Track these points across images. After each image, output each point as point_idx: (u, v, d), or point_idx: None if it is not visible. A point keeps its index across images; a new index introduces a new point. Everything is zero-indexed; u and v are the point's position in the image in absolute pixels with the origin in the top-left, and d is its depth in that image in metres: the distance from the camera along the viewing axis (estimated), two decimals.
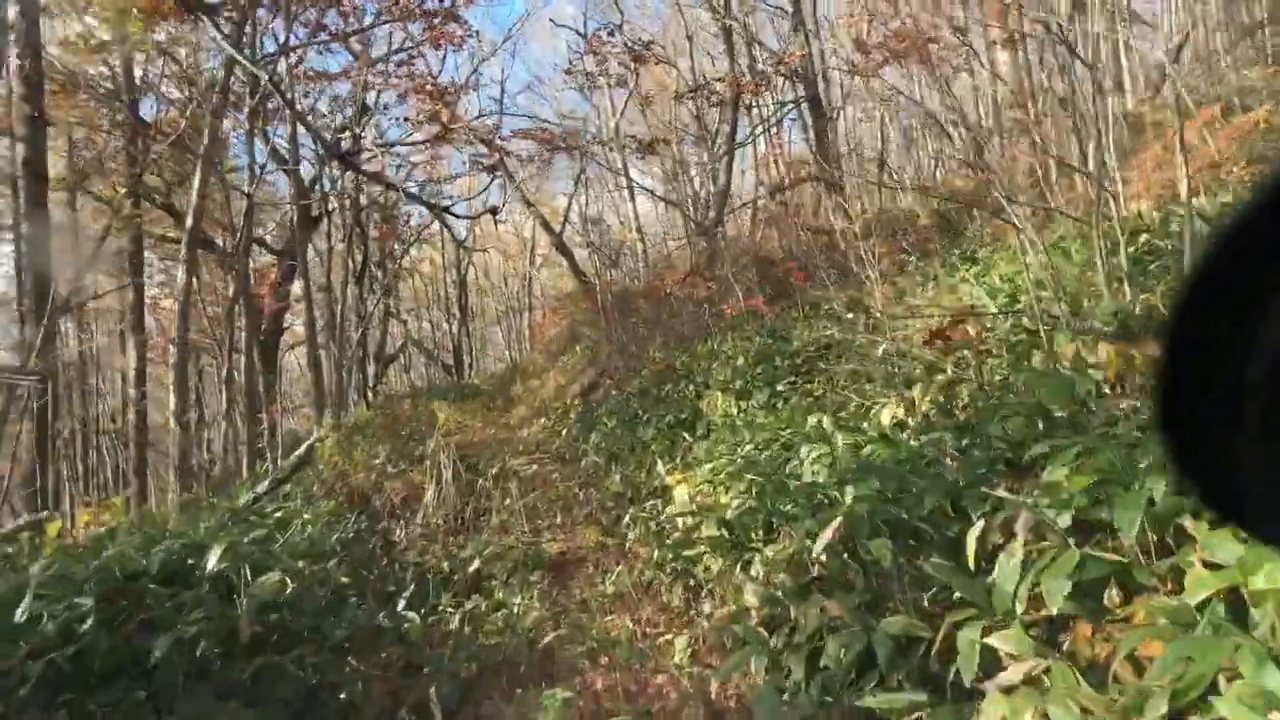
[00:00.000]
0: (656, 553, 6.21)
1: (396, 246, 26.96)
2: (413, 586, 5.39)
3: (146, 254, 18.28)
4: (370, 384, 25.83)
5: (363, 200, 20.19)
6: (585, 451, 10.25)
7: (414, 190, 22.71)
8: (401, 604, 5.24)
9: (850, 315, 8.06)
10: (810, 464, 4.60)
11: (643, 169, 26.56)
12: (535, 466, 11.61)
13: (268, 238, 21.55)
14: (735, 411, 7.46)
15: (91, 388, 21.39)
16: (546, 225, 21.00)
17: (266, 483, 6.97)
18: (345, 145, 17.93)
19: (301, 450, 7.31)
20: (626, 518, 7.01)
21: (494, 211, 16.01)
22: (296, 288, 23.18)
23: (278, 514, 7.11)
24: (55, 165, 17.65)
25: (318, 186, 18.65)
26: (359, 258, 21.45)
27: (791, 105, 16.37)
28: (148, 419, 15.54)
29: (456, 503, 8.20)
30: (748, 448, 5.81)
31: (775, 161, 16.15)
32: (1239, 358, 0.52)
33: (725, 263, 11.51)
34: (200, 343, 18.18)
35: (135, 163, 13.50)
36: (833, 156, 14.37)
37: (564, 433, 12.56)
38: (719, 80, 14.38)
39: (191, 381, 20.42)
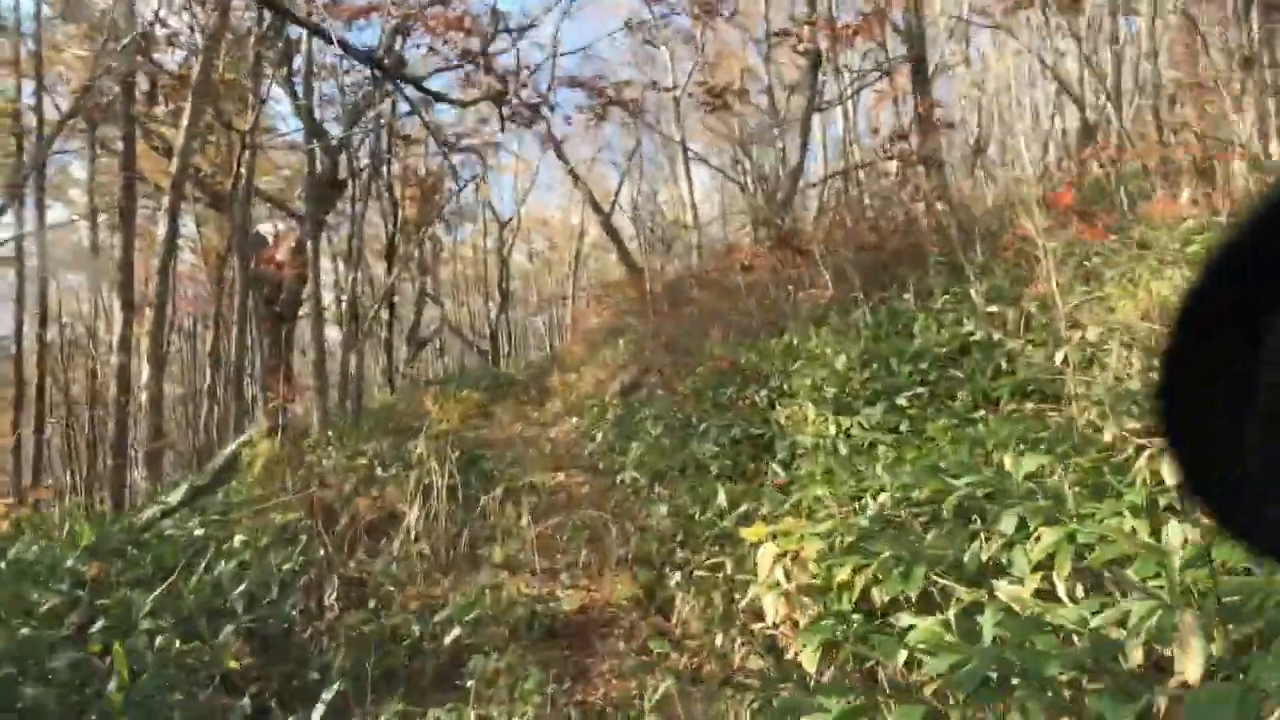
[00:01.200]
0: (721, 639, 4.14)
1: (432, 225, 25.19)
2: (336, 687, 3.38)
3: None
4: (397, 368, 24.07)
5: (394, 161, 18.34)
6: (622, 464, 8.20)
7: (457, 158, 20.89)
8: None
9: (994, 309, 5.87)
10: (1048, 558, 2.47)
11: (704, 146, 24.44)
12: (560, 476, 9.59)
13: (297, 200, 19.78)
14: (833, 430, 5.33)
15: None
16: (594, 203, 19.00)
17: (181, 492, 5.06)
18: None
19: (222, 456, 5.33)
20: (677, 577, 4.92)
21: (500, 97, 13.71)
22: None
23: (199, 531, 5.16)
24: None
25: (343, 156, 16.90)
26: (390, 228, 19.64)
27: (885, 68, 14.09)
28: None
29: (449, 526, 6.18)
30: (881, 496, 3.68)
31: (875, 128, 13.89)
32: (1243, 374, 0.51)
33: (809, 239, 9.34)
34: (200, 310, 16.50)
35: (131, 93, 11.72)
36: (935, 129, 12.10)
37: (598, 437, 10.52)
38: (808, 23, 12.20)
39: (193, 355, 18.82)
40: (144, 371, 9.96)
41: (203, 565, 4.67)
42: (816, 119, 15.31)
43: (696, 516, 5.67)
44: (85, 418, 18.27)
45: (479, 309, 36.48)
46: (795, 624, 3.40)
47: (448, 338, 35.19)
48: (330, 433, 11.08)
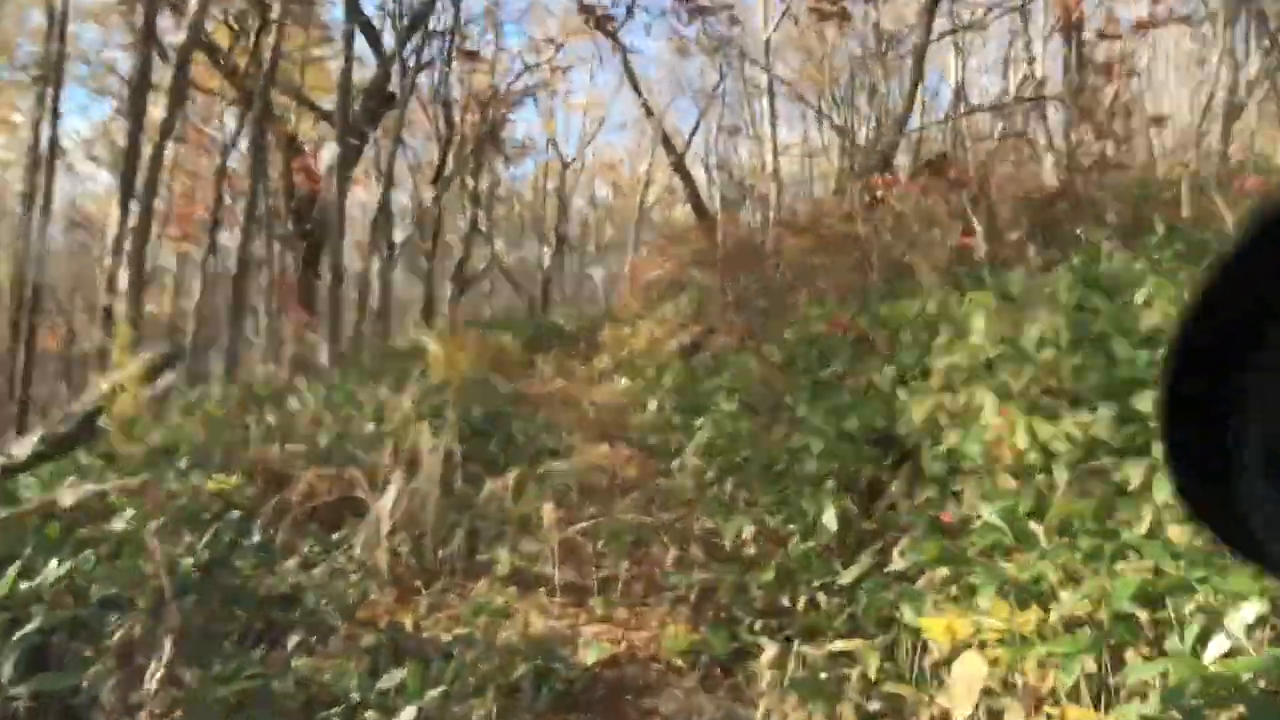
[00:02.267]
0: None
1: (487, 151, 23.40)
2: None
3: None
4: (439, 305, 22.51)
5: (453, 78, 16.55)
6: (681, 446, 6.42)
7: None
8: None
9: None
10: None
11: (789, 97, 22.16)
12: (602, 448, 7.84)
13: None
14: (1023, 440, 3.43)
15: None
16: (667, 141, 17.05)
17: (32, 445, 3.42)
18: None
19: (81, 406, 3.66)
20: (766, 650, 3.11)
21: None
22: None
23: (69, 499, 3.52)
24: None
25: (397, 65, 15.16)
26: (441, 151, 17.92)
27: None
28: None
29: (443, 514, 4.45)
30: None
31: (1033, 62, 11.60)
32: (1245, 390, 0.52)
33: (963, 175, 7.30)
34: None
35: None
36: (1087, 78, 9.91)
37: (651, 404, 8.73)
38: None
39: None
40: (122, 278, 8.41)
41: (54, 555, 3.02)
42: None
43: (794, 542, 3.85)
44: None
45: (534, 254, 34.72)
46: None
47: (497, 279, 33.59)
48: (337, 371, 9.49)
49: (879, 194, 6.26)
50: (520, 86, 19.80)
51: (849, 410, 4.74)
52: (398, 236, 31.34)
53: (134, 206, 8.34)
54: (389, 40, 15.36)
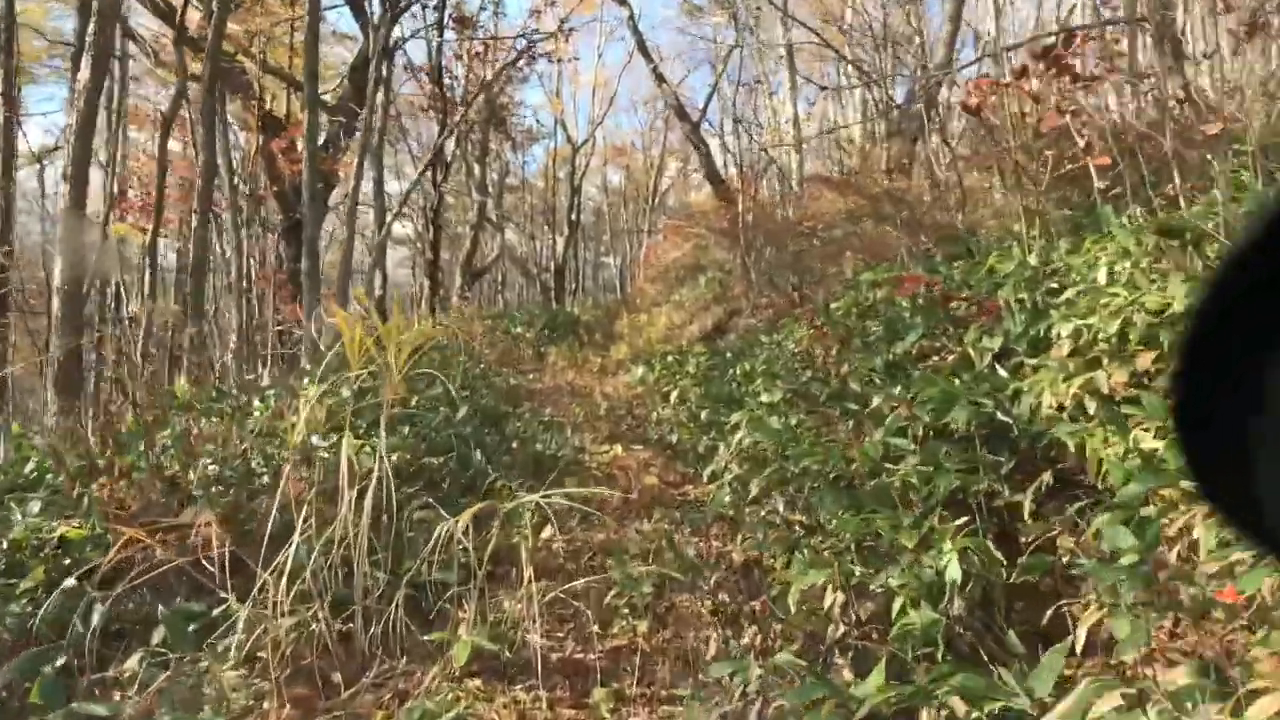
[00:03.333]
0: None
1: (491, 130, 22.08)
2: None
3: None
4: (444, 296, 21.25)
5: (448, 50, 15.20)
6: (711, 447, 5.07)
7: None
8: None
9: None
10: None
11: (808, 61, 20.65)
12: (614, 450, 6.52)
13: (327, 96, 16.83)
14: None
15: None
16: (681, 109, 15.64)
17: None
18: None
19: None
20: None
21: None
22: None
23: None
24: None
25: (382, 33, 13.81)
26: (438, 130, 16.60)
27: None
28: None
29: (368, 573, 3.12)
30: None
31: None
32: (1258, 369, 0.50)
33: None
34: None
35: None
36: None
37: (672, 396, 7.39)
38: None
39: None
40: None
41: None
42: None
43: (902, 607, 2.50)
44: None
45: (546, 245, 33.33)
46: None
47: (509, 270, 32.32)
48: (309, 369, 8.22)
49: (978, 98, 4.82)
50: (523, 61, 18.33)
51: (946, 398, 3.37)
52: (404, 227, 30.27)
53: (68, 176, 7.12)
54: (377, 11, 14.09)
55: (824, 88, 15.63)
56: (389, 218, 11.05)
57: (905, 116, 10.88)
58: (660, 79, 15.56)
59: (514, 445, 6.10)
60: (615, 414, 8.14)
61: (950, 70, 9.25)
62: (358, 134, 14.58)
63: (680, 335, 14.48)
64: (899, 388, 3.75)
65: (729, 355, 7.73)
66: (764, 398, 5.00)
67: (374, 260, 11.19)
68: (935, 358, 4.15)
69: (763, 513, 3.84)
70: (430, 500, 4.59)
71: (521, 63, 18.69)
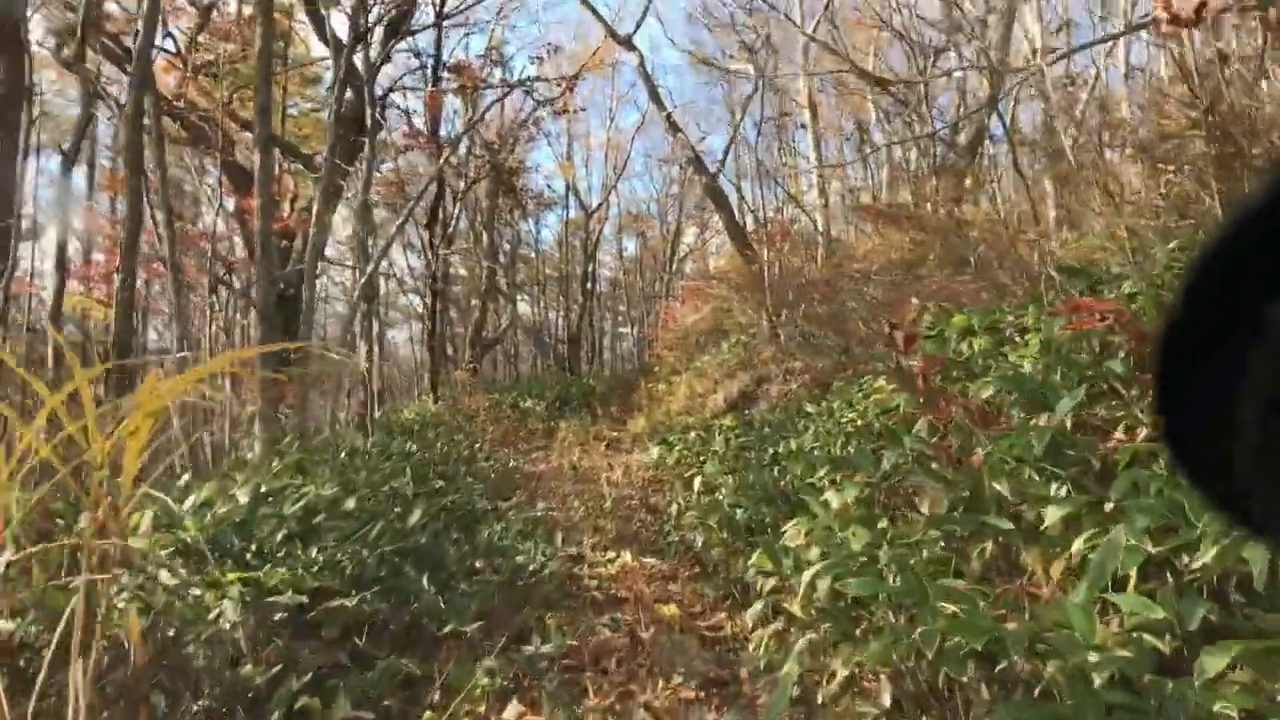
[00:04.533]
0: None
1: (499, 195, 20.94)
2: None
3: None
4: (447, 369, 19.84)
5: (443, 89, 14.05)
6: (747, 561, 3.49)
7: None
8: None
9: None
10: None
11: (831, 110, 19.48)
12: (621, 558, 4.94)
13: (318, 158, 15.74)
14: None
15: None
16: (698, 161, 14.37)
17: None
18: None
19: None
20: None
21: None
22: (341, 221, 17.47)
23: None
24: None
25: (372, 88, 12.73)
26: (435, 192, 15.42)
27: None
28: None
29: None
30: None
31: None
32: (1240, 356, 0.51)
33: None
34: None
35: None
36: None
37: (696, 483, 5.81)
38: None
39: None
40: None
41: None
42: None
43: None
44: None
45: (560, 315, 32.03)
46: None
47: (522, 341, 31.02)
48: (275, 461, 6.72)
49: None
50: (527, 115, 17.28)
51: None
52: (412, 300, 29.14)
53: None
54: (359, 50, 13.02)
55: (860, 132, 14.25)
56: (368, 277, 9.66)
57: (954, 148, 9.48)
58: (675, 128, 14.36)
59: (487, 559, 4.52)
60: (626, 504, 6.57)
61: (1028, 69, 7.82)
62: (351, 193, 13.43)
63: (703, 406, 12.94)
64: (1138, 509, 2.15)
65: (765, 430, 6.16)
66: (829, 496, 3.42)
67: (346, 321, 9.77)
68: (1118, 434, 2.57)
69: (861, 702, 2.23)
70: (340, 660, 3.11)
71: (526, 117, 17.69)
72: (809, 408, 5.90)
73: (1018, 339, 4.21)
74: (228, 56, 12.28)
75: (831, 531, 3.28)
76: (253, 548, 3.55)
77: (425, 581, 3.85)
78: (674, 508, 6.16)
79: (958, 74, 10.14)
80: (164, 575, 3.10)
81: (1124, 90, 9.24)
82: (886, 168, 18.96)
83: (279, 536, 3.85)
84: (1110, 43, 7.81)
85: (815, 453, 4.90)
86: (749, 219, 17.27)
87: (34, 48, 7.86)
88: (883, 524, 2.90)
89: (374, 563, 3.81)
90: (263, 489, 4.53)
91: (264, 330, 7.41)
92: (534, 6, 29.60)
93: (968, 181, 8.84)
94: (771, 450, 5.49)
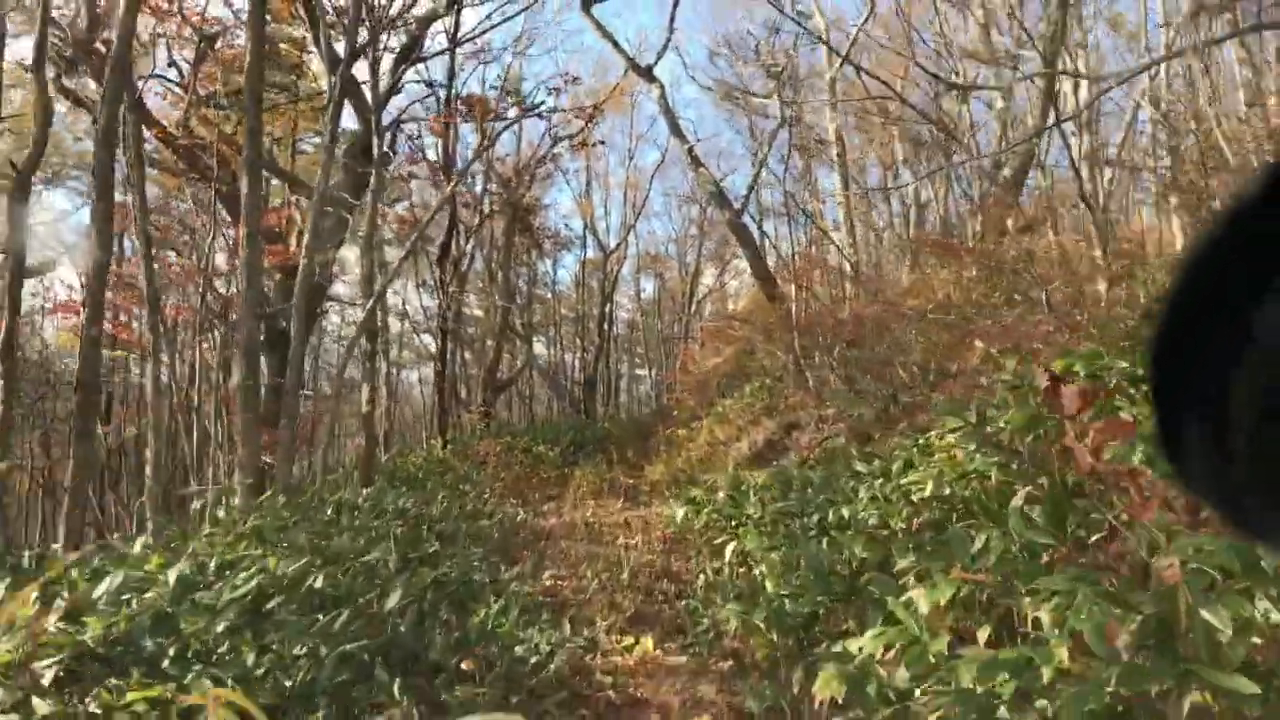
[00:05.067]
0: None
1: (515, 234, 20.34)
2: None
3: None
4: (458, 412, 19.13)
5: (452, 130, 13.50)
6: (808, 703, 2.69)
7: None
8: None
9: None
10: None
11: (859, 154, 18.87)
12: (641, 647, 4.13)
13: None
14: None
15: None
16: (721, 196, 13.71)
17: None
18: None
19: None
20: None
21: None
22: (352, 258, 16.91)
23: None
24: None
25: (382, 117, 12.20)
26: (448, 228, 14.82)
27: None
28: None
29: None
30: None
31: None
32: (1233, 359, 0.50)
33: None
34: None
35: None
36: None
37: (729, 549, 5.00)
38: None
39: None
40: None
41: None
42: None
43: None
44: None
45: (576, 357, 31.30)
46: None
47: (538, 384, 30.29)
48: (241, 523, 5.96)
49: None
50: (545, 148, 16.74)
51: None
52: (426, 341, 28.52)
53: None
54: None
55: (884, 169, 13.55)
56: (369, 313, 8.98)
57: (997, 179, 8.75)
58: (696, 161, 13.73)
59: (481, 651, 3.71)
60: (648, 572, 5.74)
61: (1050, 126, 7.11)
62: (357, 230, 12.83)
63: (725, 454, 12.14)
64: None
65: (807, 488, 5.34)
66: (915, 595, 2.62)
67: (342, 361, 9.06)
68: None
69: None
70: None
71: (545, 153, 17.18)
72: (859, 466, 5.09)
73: (1132, 391, 3.43)
74: (232, 88, 11.83)
75: (921, 644, 2.48)
76: (173, 650, 2.78)
77: (397, 689, 3.06)
78: (701, 575, 5.35)
79: (1007, 95, 9.43)
80: (37, 703, 2.34)
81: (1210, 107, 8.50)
82: (914, 206, 18.31)
83: (219, 628, 3.09)
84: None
85: (870, 520, 4.10)
86: (772, 257, 16.60)
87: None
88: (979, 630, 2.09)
89: (333, 664, 3.02)
90: (211, 563, 3.77)
91: (245, 368, 6.70)
92: (551, 40, 29.28)
93: (1015, 215, 8.09)
94: (817, 517, 4.69)
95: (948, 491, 3.96)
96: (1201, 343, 0.50)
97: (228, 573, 3.74)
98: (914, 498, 4.20)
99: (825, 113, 15.67)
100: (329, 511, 6.24)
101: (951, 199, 12.70)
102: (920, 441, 5.07)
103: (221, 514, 6.14)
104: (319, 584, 3.73)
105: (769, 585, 3.99)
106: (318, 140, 20.38)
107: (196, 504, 7.99)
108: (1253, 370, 0.48)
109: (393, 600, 3.68)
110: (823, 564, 3.70)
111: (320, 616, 3.41)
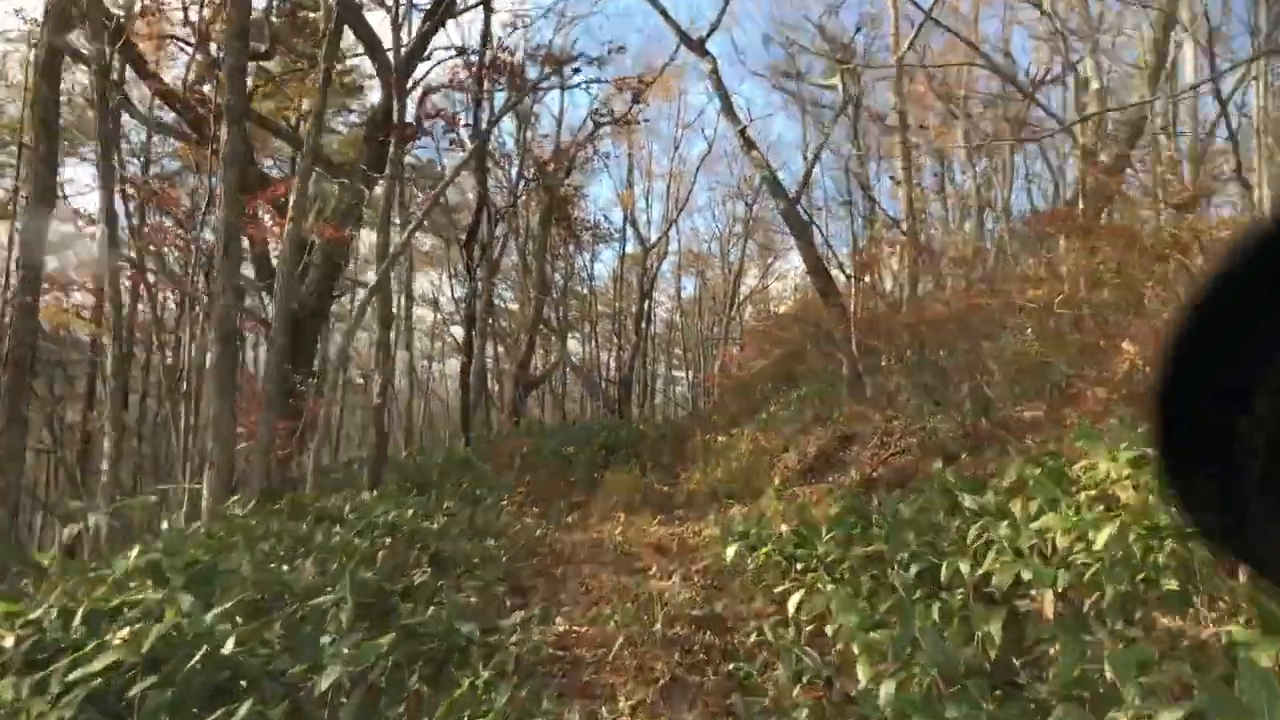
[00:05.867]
0: None
1: (553, 220, 19.24)
2: None
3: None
4: (482, 409, 18.09)
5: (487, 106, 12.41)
6: None
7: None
8: None
9: None
10: None
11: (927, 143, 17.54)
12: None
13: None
14: None
15: None
16: (774, 182, 12.48)
17: None
18: None
19: None
20: None
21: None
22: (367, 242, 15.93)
23: None
24: None
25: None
26: (475, 209, 13.77)
27: None
28: None
29: None
30: None
31: None
32: (1239, 398, 0.50)
33: None
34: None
35: None
36: None
37: (795, 604, 3.84)
38: None
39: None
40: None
41: None
42: None
43: None
44: None
45: (612, 355, 30.14)
46: None
47: (570, 381, 29.27)
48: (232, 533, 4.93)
49: None
50: (590, 136, 15.64)
51: None
52: (458, 333, 27.59)
53: None
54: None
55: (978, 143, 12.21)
56: (378, 299, 7.93)
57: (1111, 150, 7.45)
58: (749, 144, 12.54)
59: None
60: (686, 618, 4.58)
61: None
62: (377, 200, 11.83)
63: (770, 464, 10.92)
64: None
65: (903, 527, 4.11)
66: None
67: (341, 350, 8.00)
68: None
69: None
70: None
71: (589, 135, 16.07)
72: (968, 500, 3.89)
73: None
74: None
75: None
76: None
77: None
78: (751, 614, 4.19)
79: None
80: None
81: None
82: (974, 203, 16.95)
83: None
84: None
85: (1003, 580, 2.91)
86: (828, 253, 15.35)
87: None
88: None
89: None
90: (79, 612, 2.69)
91: (220, 348, 5.66)
92: (595, 22, 28.14)
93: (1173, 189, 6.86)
94: (915, 569, 3.50)
95: (1120, 554, 2.77)
96: (1208, 376, 0.49)
97: (107, 623, 2.67)
98: (1064, 554, 3.01)
99: (889, 100, 14.43)
100: (303, 525, 5.18)
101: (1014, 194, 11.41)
102: (1047, 467, 3.85)
103: (176, 518, 5.10)
104: (229, 648, 2.63)
105: (862, 671, 2.82)
106: (353, 119, 19.49)
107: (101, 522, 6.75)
108: (1260, 405, 0.47)
109: (327, 680, 2.56)
110: (948, 653, 2.52)
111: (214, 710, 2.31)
